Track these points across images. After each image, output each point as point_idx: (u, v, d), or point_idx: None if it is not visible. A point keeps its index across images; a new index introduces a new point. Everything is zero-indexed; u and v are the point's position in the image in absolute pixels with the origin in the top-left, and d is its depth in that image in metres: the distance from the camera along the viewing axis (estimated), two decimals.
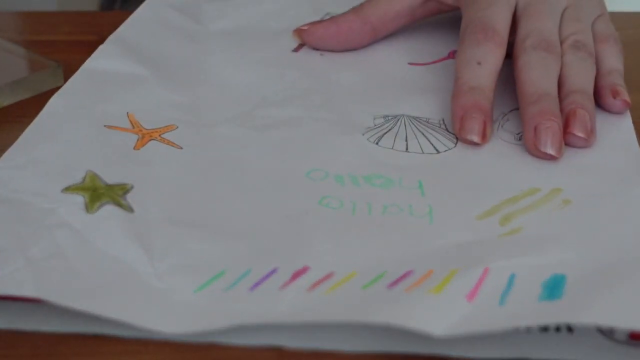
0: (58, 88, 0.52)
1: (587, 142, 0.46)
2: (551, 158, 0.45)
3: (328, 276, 0.38)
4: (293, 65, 0.56)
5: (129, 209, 0.42)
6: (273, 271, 0.38)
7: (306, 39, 0.57)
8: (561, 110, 0.47)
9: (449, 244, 0.40)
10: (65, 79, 0.53)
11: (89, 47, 0.56)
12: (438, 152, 0.47)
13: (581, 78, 0.49)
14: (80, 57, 0.54)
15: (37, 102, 0.50)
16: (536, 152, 0.46)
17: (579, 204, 0.42)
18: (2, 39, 0.56)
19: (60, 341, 0.36)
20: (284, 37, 0.59)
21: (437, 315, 0.35)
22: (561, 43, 0.50)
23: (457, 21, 0.54)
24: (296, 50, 0.58)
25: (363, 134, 0.48)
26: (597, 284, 0.36)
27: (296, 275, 0.38)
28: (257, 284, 0.38)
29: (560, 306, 0.35)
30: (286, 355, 0.36)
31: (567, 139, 0.46)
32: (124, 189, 0.43)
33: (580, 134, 0.46)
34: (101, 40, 0.56)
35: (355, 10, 0.57)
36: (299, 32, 0.57)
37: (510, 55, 0.51)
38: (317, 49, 0.57)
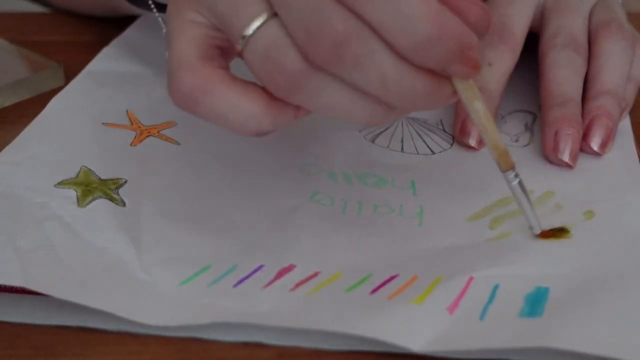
0: (58, 88, 0.52)
1: (602, 151, 0.46)
2: (566, 166, 0.45)
3: (313, 275, 0.38)
4: None
5: (121, 202, 0.42)
6: (259, 268, 0.38)
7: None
8: (585, 111, 0.46)
9: (437, 246, 0.40)
10: (66, 79, 0.53)
11: (89, 47, 0.56)
12: (433, 153, 0.47)
13: (613, 76, 0.47)
14: (80, 57, 0.54)
15: (37, 102, 0.50)
16: (552, 157, 0.45)
17: (569, 210, 0.42)
18: (2, 40, 0.56)
19: (60, 341, 0.36)
20: None
21: (416, 328, 0.35)
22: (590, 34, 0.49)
23: None
24: None
25: (360, 131, 0.48)
26: (578, 300, 0.36)
27: (281, 273, 0.38)
28: (241, 281, 0.37)
29: (539, 326, 0.35)
30: (286, 355, 0.35)
31: (582, 146, 0.46)
32: (117, 183, 0.43)
33: (596, 147, 0.46)
34: (101, 40, 0.56)
35: None
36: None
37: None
38: None
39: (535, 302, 0.36)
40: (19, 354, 0.35)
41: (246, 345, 0.36)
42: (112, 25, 0.58)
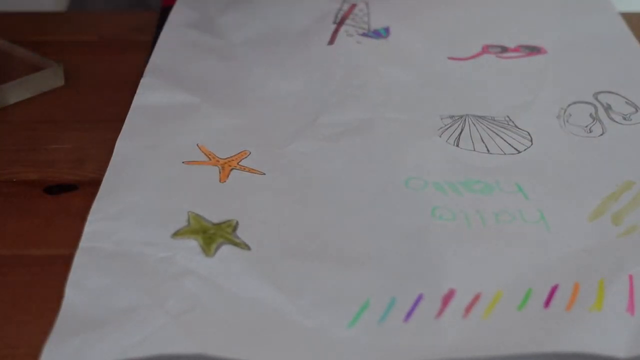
0: (58, 88, 0.52)
1: None
2: None
3: (476, 298, 0.38)
4: (335, 60, 0.55)
5: (245, 246, 0.40)
6: (419, 298, 0.38)
7: None
8: None
9: (575, 250, 0.40)
10: (66, 79, 0.53)
11: (89, 47, 0.56)
12: (518, 151, 0.47)
13: None
14: (80, 57, 0.54)
15: (37, 102, 0.50)
16: None
17: None
18: (2, 40, 0.56)
19: None
20: (313, 32, 0.58)
21: (612, 335, 0.35)
22: None
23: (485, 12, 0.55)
24: (331, 42, 0.57)
25: (440, 136, 0.48)
26: None
27: (446, 300, 0.38)
28: (409, 314, 0.37)
29: None
30: None
31: None
32: (231, 225, 0.42)
33: None
34: (101, 40, 0.56)
35: None
36: None
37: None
38: None
39: None
40: (19, 353, 0.35)
41: None
42: (113, 25, 0.58)
